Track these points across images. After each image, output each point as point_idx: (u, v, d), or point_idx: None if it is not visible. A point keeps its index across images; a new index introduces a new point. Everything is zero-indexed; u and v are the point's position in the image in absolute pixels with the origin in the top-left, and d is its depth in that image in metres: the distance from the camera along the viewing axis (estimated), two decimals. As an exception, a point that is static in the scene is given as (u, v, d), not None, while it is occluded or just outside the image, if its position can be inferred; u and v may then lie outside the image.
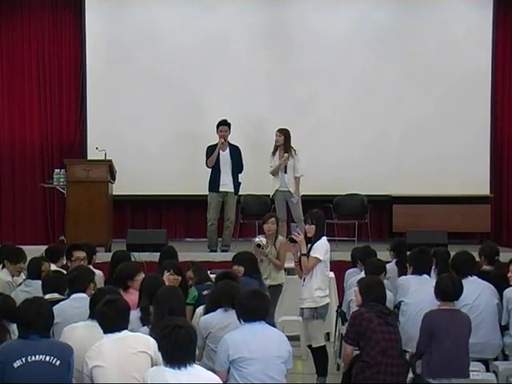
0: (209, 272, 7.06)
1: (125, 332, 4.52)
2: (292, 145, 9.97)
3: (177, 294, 5.12)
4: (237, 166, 10.04)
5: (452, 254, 6.97)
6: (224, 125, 10.01)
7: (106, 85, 11.73)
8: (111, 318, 4.49)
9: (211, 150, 10.01)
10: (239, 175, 10.10)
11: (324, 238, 6.66)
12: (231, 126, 10.07)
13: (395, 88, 11.78)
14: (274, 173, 9.96)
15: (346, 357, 5.52)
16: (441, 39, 11.74)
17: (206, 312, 5.37)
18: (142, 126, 11.65)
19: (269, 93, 11.72)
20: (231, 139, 10.15)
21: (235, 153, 10.05)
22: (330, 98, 11.69)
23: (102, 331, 4.68)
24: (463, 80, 11.72)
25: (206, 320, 5.27)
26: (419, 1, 11.90)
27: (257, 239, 7.52)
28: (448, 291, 5.54)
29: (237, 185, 10.07)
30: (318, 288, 6.54)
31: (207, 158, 10.01)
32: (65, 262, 7.15)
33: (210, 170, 10.04)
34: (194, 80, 11.71)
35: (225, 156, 10.02)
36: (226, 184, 10.01)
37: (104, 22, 11.82)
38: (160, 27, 11.73)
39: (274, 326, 7.07)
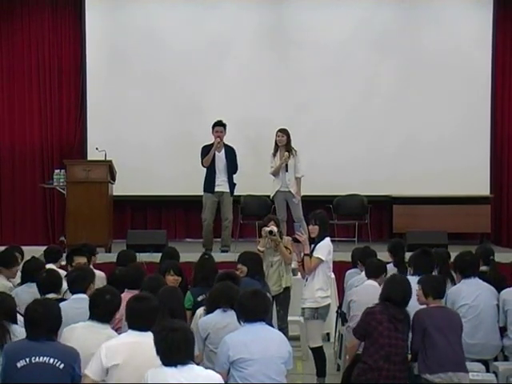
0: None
1: (147, 334, 4.42)
2: (292, 145, 9.98)
3: (177, 294, 5.12)
4: (231, 167, 10.04)
5: (452, 254, 7.00)
6: (220, 125, 9.99)
7: (106, 85, 11.73)
8: (139, 315, 4.47)
9: (207, 149, 10.01)
10: (234, 176, 10.10)
11: (327, 239, 6.67)
12: (229, 127, 10.09)
13: (395, 89, 11.79)
14: (275, 173, 9.96)
15: (351, 348, 5.54)
16: (441, 40, 11.74)
17: (206, 313, 5.37)
18: (142, 126, 11.66)
19: (269, 93, 11.72)
20: (231, 139, 10.17)
21: (230, 154, 10.05)
22: (330, 98, 11.70)
23: (101, 331, 4.72)
24: (463, 80, 11.73)
25: (204, 321, 5.28)
26: (420, 2, 11.91)
27: (267, 228, 7.46)
28: (439, 288, 5.55)
29: (232, 185, 10.07)
30: (319, 288, 6.57)
31: (202, 157, 10.01)
32: (64, 262, 7.15)
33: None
34: (194, 80, 11.72)
35: (220, 157, 10.03)
36: (222, 184, 10.02)
37: (104, 23, 11.83)
38: (160, 27, 11.73)
39: (285, 328, 7.13)
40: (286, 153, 9.85)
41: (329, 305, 6.71)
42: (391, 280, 5.53)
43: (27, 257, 6.97)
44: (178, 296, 5.11)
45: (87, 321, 4.84)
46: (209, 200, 10.04)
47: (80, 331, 4.76)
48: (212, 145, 9.98)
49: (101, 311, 4.80)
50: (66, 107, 12.01)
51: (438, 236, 9.93)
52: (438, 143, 11.70)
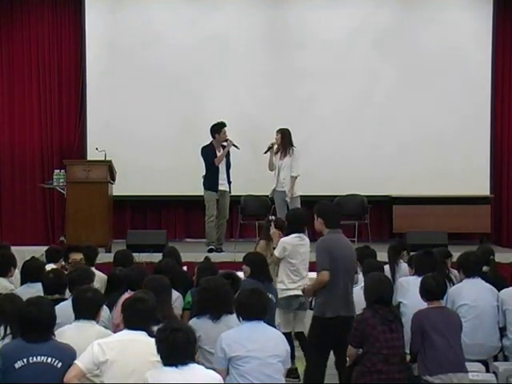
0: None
1: (143, 334, 4.46)
2: (293, 144, 10.03)
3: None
4: (228, 165, 10.20)
5: (452, 254, 7.01)
6: (225, 126, 10.11)
7: (105, 85, 11.74)
8: (136, 315, 4.49)
9: (210, 149, 10.10)
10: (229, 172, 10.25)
11: (288, 237, 6.92)
12: (230, 126, 10.24)
13: (395, 88, 11.79)
14: (270, 167, 10.08)
15: (350, 356, 5.56)
16: (441, 40, 11.74)
17: (194, 315, 5.36)
18: (142, 126, 11.66)
19: (269, 93, 11.72)
20: (232, 138, 10.21)
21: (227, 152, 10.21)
22: (330, 98, 11.70)
23: (90, 329, 4.74)
24: (463, 80, 11.74)
25: (194, 322, 5.24)
26: (420, 2, 11.92)
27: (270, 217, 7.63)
28: (432, 290, 5.52)
29: (230, 184, 10.19)
30: (280, 281, 6.97)
31: (209, 158, 10.05)
32: (64, 263, 7.15)
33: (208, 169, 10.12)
34: (194, 80, 11.72)
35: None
36: (223, 183, 10.16)
37: (104, 22, 11.84)
38: (160, 27, 11.73)
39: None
40: (272, 142, 9.99)
41: (289, 296, 6.88)
42: (377, 281, 5.46)
43: (27, 257, 6.96)
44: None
45: (73, 322, 4.83)
46: (212, 198, 10.12)
47: (69, 333, 4.73)
48: (211, 145, 10.10)
49: (85, 309, 4.81)
50: (66, 107, 12.01)
51: (438, 236, 9.93)
52: (438, 143, 11.70)
